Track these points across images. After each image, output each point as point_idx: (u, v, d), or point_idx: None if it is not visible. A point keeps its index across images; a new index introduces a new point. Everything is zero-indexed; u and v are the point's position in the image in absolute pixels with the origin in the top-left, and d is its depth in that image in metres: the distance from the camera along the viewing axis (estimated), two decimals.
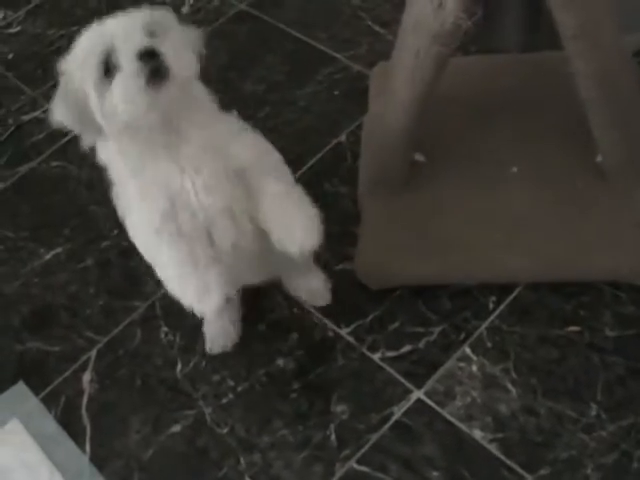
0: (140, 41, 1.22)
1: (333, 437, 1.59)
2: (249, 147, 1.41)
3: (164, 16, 1.30)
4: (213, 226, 1.40)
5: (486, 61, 1.94)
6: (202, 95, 1.37)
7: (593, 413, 1.54)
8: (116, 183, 1.40)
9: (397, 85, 1.67)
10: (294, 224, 1.40)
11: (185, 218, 1.37)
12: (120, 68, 1.21)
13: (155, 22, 1.26)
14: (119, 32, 1.23)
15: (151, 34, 1.23)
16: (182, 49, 1.26)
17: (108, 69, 1.22)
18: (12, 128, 2.31)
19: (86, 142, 1.35)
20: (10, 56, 2.52)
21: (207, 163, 1.35)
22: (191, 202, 1.36)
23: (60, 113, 1.28)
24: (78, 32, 2.53)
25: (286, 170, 1.45)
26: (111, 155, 1.36)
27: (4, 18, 2.64)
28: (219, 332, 1.72)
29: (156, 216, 1.36)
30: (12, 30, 2.61)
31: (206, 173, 1.35)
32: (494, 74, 1.94)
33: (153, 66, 1.21)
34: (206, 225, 1.39)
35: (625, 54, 1.73)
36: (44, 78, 2.41)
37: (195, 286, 1.37)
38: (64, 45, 2.44)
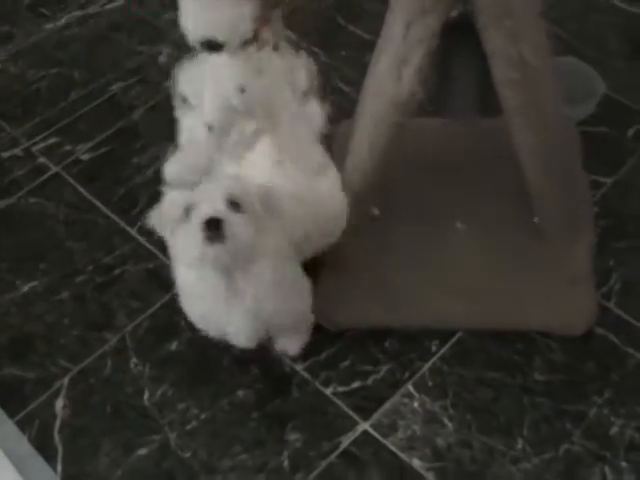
0: (214, 209, 1.41)
1: (287, 463, 1.67)
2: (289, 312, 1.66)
3: (249, 194, 1.47)
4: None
5: (440, 125, 2.02)
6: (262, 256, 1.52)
7: (520, 447, 1.66)
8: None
9: (356, 146, 1.79)
10: None
11: None
12: (190, 222, 1.42)
13: (240, 196, 1.43)
14: (205, 195, 1.44)
15: (233, 204, 1.42)
16: (249, 224, 1.44)
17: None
18: None
19: None
20: None
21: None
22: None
23: (154, 222, 1.50)
24: (58, 74, 2.61)
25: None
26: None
27: None
28: None
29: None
30: None
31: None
32: (446, 137, 2.05)
33: (213, 232, 1.39)
34: None
35: (565, 126, 1.85)
36: (24, 117, 2.43)
37: None
38: (44, 86, 2.54)
